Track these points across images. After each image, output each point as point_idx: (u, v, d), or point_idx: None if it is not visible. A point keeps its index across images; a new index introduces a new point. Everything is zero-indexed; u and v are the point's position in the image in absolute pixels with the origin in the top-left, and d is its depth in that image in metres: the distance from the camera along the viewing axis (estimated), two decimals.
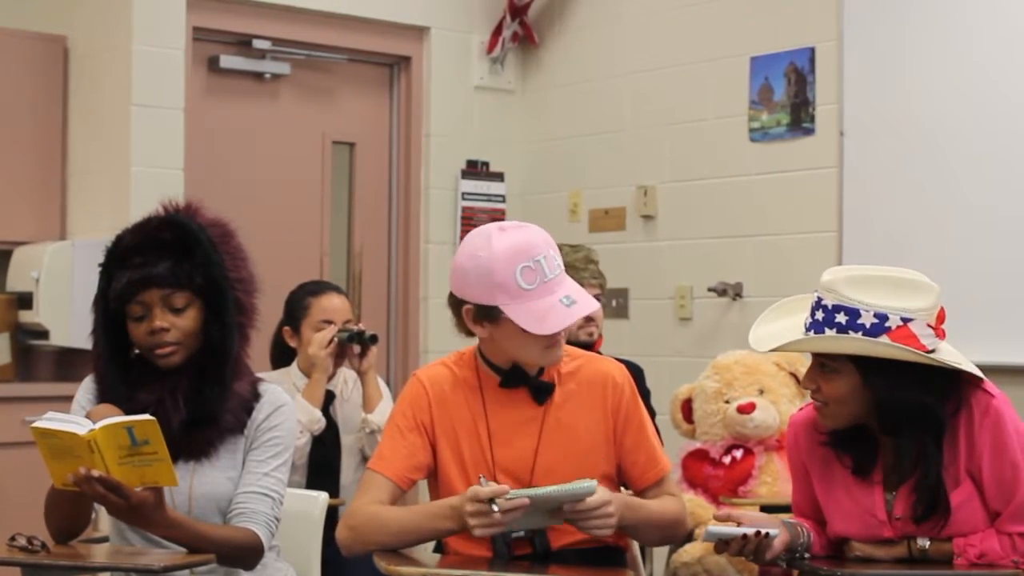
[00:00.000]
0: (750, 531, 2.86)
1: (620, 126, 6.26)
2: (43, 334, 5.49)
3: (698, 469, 4.61)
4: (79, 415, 2.80)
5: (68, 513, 2.86)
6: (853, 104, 5.39)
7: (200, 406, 2.90)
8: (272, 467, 2.96)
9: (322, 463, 4.28)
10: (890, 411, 2.84)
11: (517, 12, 6.48)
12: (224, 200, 3.98)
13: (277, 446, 2.98)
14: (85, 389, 3.00)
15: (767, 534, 2.87)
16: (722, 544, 2.89)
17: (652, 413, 3.91)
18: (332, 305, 4.38)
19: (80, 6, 5.80)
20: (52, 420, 2.69)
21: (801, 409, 3.09)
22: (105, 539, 3.14)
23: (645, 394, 4.23)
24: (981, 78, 5.04)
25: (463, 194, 6.50)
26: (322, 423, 4.26)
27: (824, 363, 2.88)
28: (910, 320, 2.79)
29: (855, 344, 2.80)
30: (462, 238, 4.15)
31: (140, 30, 5.57)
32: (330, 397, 4.35)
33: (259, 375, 3.07)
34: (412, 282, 6.43)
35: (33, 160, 5.72)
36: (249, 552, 2.89)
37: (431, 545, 3.15)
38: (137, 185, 5.50)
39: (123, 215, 5.23)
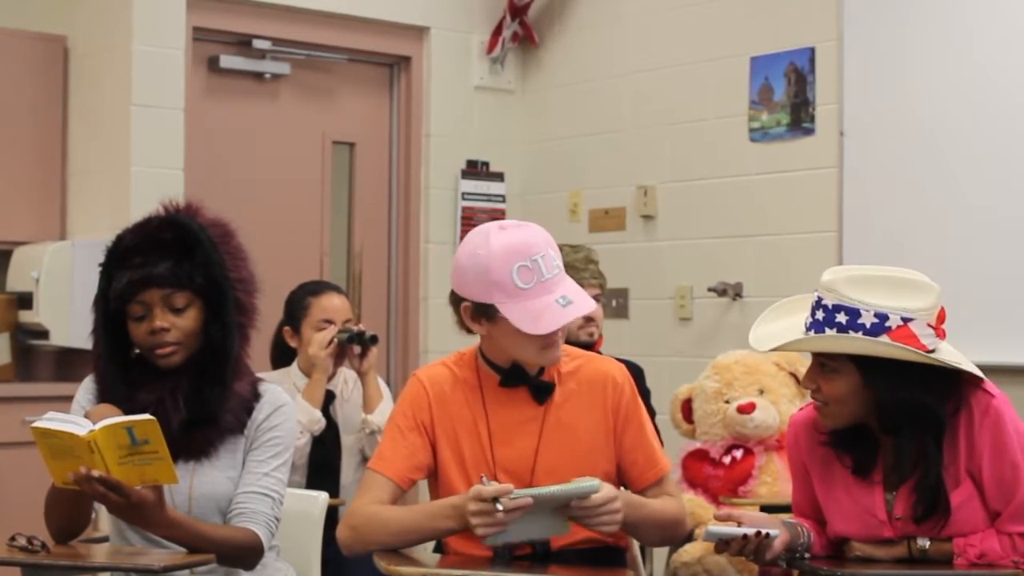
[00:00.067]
0: (750, 531, 2.85)
1: (620, 126, 6.26)
2: (43, 334, 5.49)
3: (698, 469, 4.61)
4: (79, 415, 2.79)
5: (68, 513, 2.86)
6: (853, 104, 5.39)
7: (200, 406, 2.90)
8: (272, 467, 2.96)
9: (322, 463, 4.28)
10: (890, 411, 2.84)
11: (517, 12, 6.48)
12: (224, 200, 3.98)
13: (277, 446, 2.98)
14: (85, 389, 3.00)
15: (767, 534, 2.87)
16: (722, 544, 2.89)
17: (652, 413, 3.91)
18: (332, 305, 4.38)
19: (80, 6, 5.80)
20: (52, 420, 2.69)
21: (801, 409, 3.09)
22: (105, 539, 3.14)
23: (645, 394, 4.22)
24: (981, 78, 5.04)
25: (463, 194, 6.50)
26: (322, 423, 4.26)
27: (824, 363, 2.88)
28: (910, 320, 2.79)
29: (855, 344, 2.80)
30: (462, 238, 4.15)
31: (140, 30, 5.57)
32: (330, 397, 4.35)
33: (259, 375, 3.07)
34: (412, 282, 6.43)
35: (33, 160, 5.72)
36: (249, 552, 2.89)
37: (431, 545, 3.15)
38: (137, 185, 5.50)
39: (123, 215, 5.23)
